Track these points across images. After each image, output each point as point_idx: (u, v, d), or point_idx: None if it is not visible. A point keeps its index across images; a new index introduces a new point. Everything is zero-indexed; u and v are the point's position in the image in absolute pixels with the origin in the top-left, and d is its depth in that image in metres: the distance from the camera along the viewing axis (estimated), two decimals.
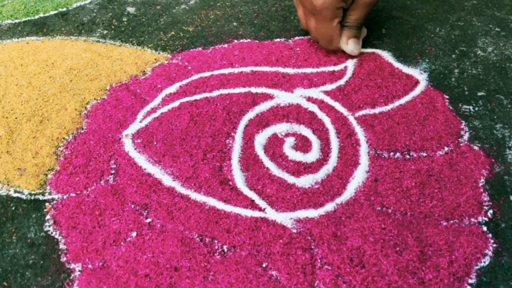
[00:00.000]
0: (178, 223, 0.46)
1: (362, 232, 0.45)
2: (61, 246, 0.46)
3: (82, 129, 0.58)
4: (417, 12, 0.79)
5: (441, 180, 0.49)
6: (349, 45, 0.60)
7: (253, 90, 0.62)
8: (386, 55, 0.68)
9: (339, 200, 0.48)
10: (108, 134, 0.57)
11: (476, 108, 0.59)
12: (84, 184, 0.51)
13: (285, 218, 0.47)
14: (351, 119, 0.58)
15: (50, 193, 0.50)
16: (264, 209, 0.48)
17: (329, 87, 0.63)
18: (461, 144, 0.54)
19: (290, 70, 0.66)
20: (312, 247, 0.44)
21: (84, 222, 0.47)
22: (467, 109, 0.59)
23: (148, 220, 0.47)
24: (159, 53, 0.70)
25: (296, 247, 0.44)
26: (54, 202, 0.49)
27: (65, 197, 0.50)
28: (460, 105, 0.60)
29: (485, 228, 0.45)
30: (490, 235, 0.45)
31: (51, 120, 0.58)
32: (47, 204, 0.49)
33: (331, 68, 0.65)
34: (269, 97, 0.61)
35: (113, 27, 0.77)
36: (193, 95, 0.62)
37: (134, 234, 0.46)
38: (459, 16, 0.77)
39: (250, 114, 0.59)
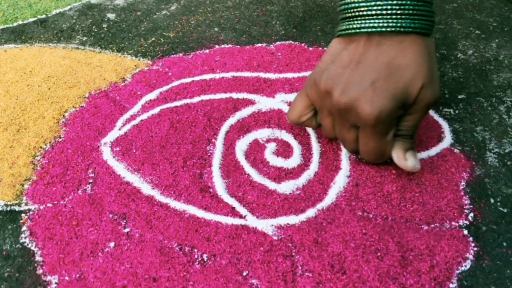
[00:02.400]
0: (157, 232, 0.46)
1: (343, 238, 0.44)
2: (37, 258, 0.45)
3: (60, 137, 0.57)
4: None
5: (422, 184, 0.49)
6: (409, 161, 0.45)
7: (234, 95, 0.62)
8: None
9: (320, 205, 0.48)
10: (86, 142, 0.56)
11: (457, 111, 0.59)
12: (61, 194, 0.50)
13: (266, 225, 0.46)
14: None
15: (26, 204, 0.49)
16: (244, 216, 0.47)
17: None
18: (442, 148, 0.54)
19: (271, 75, 0.65)
20: (293, 254, 0.44)
21: (61, 233, 0.46)
22: (447, 112, 0.59)
23: (127, 229, 0.46)
24: (139, 60, 0.70)
25: (277, 255, 0.43)
26: (31, 213, 0.48)
27: (41, 207, 0.49)
28: (440, 108, 0.60)
29: (466, 232, 0.45)
30: (471, 238, 0.45)
31: (28, 129, 0.57)
32: (23, 215, 0.48)
33: None
34: (250, 102, 0.61)
35: (92, 33, 0.76)
36: (173, 101, 0.61)
37: (112, 244, 0.45)
38: (439, 19, 0.77)
39: (231, 120, 0.58)
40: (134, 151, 0.54)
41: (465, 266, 0.42)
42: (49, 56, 0.69)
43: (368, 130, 0.40)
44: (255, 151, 0.54)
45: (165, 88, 0.63)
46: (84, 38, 0.74)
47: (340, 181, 0.50)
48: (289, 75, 0.64)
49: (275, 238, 0.45)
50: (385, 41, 0.38)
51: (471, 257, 0.43)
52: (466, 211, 0.47)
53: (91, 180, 0.51)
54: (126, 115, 0.59)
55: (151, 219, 0.47)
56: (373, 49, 0.38)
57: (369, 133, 0.40)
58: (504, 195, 0.48)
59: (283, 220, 0.47)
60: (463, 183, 0.49)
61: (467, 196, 0.48)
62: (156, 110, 0.59)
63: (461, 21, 0.76)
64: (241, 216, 0.47)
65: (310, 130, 0.56)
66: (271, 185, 0.50)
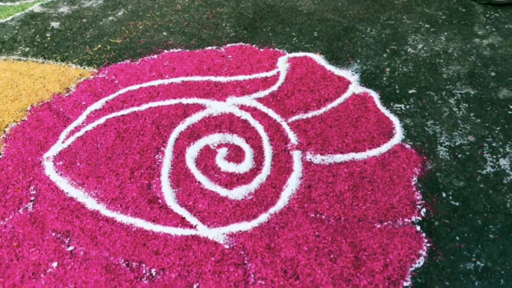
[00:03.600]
0: (102, 249, 0.44)
1: (296, 242, 0.43)
2: None
3: (0, 154, 0.54)
4: (348, 13, 0.79)
5: (374, 181, 0.49)
6: None
7: (184, 101, 0.60)
8: (318, 58, 0.67)
9: (272, 210, 0.47)
10: (27, 158, 0.53)
11: (408, 106, 0.59)
12: (1, 214, 0.47)
13: (217, 234, 0.45)
14: (284, 125, 0.56)
15: None
16: (195, 226, 0.46)
17: (262, 93, 0.61)
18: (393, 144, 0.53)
19: (222, 79, 0.64)
20: (245, 261, 0.42)
21: (1, 256, 0.44)
22: (398, 107, 0.59)
23: (70, 248, 0.44)
24: (84, 68, 0.67)
25: (228, 264, 0.42)
26: None
27: None
28: (391, 104, 0.60)
29: (418, 228, 0.45)
30: (424, 234, 0.44)
31: None
32: None
33: (263, 74, 0.64)
34: (201, 107, 0.59)
35: (35, 43, 0.73)
36: (120, 110, 0.59)
37: (55, 264, 0.43)
38: (389, 14, 0.78)
39: (181, 127, 0.57)
40: (78, 164, 0.52)
41: (419, 263, 0.42)
42: None
43: None
44: (206, 158, 0.52)
45: (111, 96, 0.61)
46: (27, 49, 0.71)
47: (292, 184, 0.49)
48: (241, 77, 0.63)
49: (227, 246, 0.44)
50: None
51: (424, 253, 0.43)
52: (418, 206, 0.46)
53: (32, 198, 0.49)
54: (70, 127, 0.57)
55: (96, 235, 0.45)
56: None
57: None
58: (456, 188, 0.48)
59: (234, 228, 0.45)
60: (415, 178, 0.49)
61: (419, 191, 0.48)
62: (101, 120, 0.57)
63: (410, 16, 0.76)
64: (191, 226, 0.46)
65: (262, 132, 0.55)
66: (222, 191, 0.49)
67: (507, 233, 0.45)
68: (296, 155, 0.52)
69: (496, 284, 0.41)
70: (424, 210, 0.47)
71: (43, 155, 0.53)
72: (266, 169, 0.52)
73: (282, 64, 0.66)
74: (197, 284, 0.41)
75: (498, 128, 0.55)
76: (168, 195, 0.49)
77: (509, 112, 0.57)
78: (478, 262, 0.42)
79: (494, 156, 0.52)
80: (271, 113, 0.58)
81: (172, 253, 0.43)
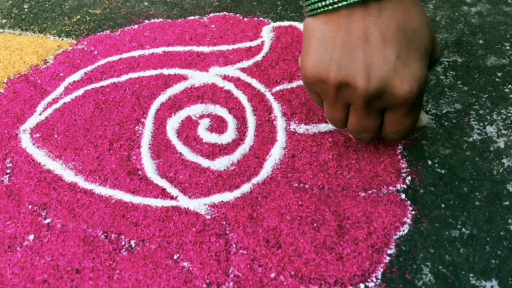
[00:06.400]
0: (80, 221, 0.42)
1: (278, 211, 0.42)
2: None
3: None
4: None
5: (358, 150, 0.48)
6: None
7: (165, 71, 0.59)
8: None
9: (255, 180, 0.46)
10: (3, 130, 0.51)
11: None
12: None
13: (198, 205, 0.44)
14: (268, 95, 0.55)
15: None
16: (176, 197, 0.45)
17: (246, 63, 0.60)
18: None
19: (205, 49, 0.62)
20: (227, 232, 0.41)
21: None
22: None
23: (47, 220, 0.43)
24: (62, 40, 0.65)
25: (209, 234, 0.41)
26: None
27: None
28: None
29: (403, 196, 0.44)
30: (408, 202, 0.44)
31: None
32: None
33: (247, 44, 0.63)
34: (183, 78, 0.58)
35: (12, 15, 0.71)
36: (99, 81, 0.57)
37: (31, 237, 0.42)
38: None
39: (162, 98, 0.55)
40: (56, 136, 0.50)
41: (403, 230, 0.41)
42: None
43: (407, 107, 0.35)
44: (187, 129, 0.51)
45: (90, 68, 0.59)
46: (4, 21, 0.69)
47: (276, 153, 0.48)
48: (224, 47, 0.61)
49: (208, 217, 0.43)
50: (386, 7, 0.31)
51: (409, 221, 0.42)
52: (403, 174, 0.46)
53: (8, 171, 0.47)
54: (48, 99, 0.55)
55: (74, 207, 0.44)
56: (374, 20, 0.31)
57: (406, 111, 0.35)
58: (442, 156, 0.47)
59: (216, 198, 0.44)
60: (400, 146, 0.48)
61: (405, 159, 0.47)
62: (80, 92, 0.56)
63: None
64: (172, 197, 0.45)
65: (245, 103, 0.54)
66: (204, 162, 0.48)
67: (493, 200, 0.44)
68: (280, 125, 0.51)
69: (482, 251, 0.40)
70: (409, 178, 0.46)
71: (19, 127, 0.52)
72: (249, 140, 0.50)
73: (267, 34, 0.64)
74: (178, 255, 0.40)
75: (485, 96, 0.54)
76: (148, 166, 0.48)
77: (497, 79, 0.56)
78: (463, 229, 0.42)
79: (481, 124, 0.51)
80: (254, 83, 0.57)
81: (152, 224, 0.42)
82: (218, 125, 0.52)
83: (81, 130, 0.50)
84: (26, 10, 0.72)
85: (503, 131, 0.50)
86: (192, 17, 0.68)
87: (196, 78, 0.57)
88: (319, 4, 0.32)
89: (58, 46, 0.63)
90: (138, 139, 0.50)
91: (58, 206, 0.44)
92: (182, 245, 0.40)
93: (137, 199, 0.44)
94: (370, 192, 0.44)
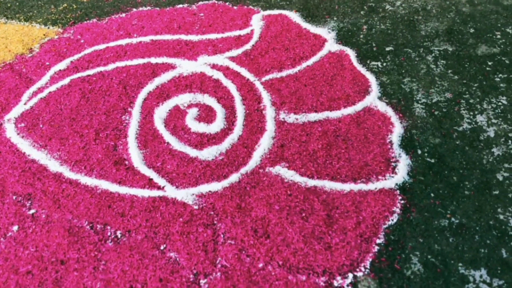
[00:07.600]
0: (65, 211, 0.42)
1: (267, 201, 0.42)
2: None
3: None
4: None
5: (348, 140, 0.47)
6: None
7: (153, 60, 0.58)
8: (294, 16, 0.65)
9: (244, 169, 0.45)
10: None
11: (384, 64, 0.57)
12: None
13: (186, 195, 0.43)
14: (258, 84, 0.54)
15: None
16: (163, 187, 0.44)
17: (235, 52, 0.59)
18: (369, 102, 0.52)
19: (193, 37, 0.61)
20: (215, 222, 0.41)
21: None
22: (375, 65, 0.57)
23: (32, 211, 0.42)
24: (48, 28, 0.64)
25: (197, 224, 0.41)
26: None
27: None
28: (368, 61, 0.58)
29: (393, 185, 0.44)
30: (398, 191, 0.43)
31: None
32: None
33: (237, 33, 0.62)
34: (171, 67, 0.57)
35: None
36: (85, 70, 0.56)
37: (15, 228, 0.41)
38: None
39: (150, 87, 0.54)
40: (41, 126, 0.49)
41: (392, 220, 0.41)
42: None
43: None
44: (175, 118, 0.50)
45: (76, 56, 0.58)
46: None
47: (265, 143, 0.48)
48: (213, 36, 0.61)
49: (196, 207, 0.42)
50: None
51: (398, 210, 0.42)
52: (393, 164, 0.45)
53: None
54: (33, 88, 0.54)
55: (59, 198, 0.43)
56: None
57: None
58: (432, 145, 0.47)
59: (204, 188, 0.44)
60: (390, 136, 0.48)
61: (394, 149, 0.47)
62: (66, 81, 0.55)
63: None
64: (159, 188, 0.44)
65: (234, 92, 0.53)
66: (192, 152, 0.47)
67: (483, 189, 0.44)
68: (269, 114, 0.51)
69: (471, 240, 0.40)
70: (398, 167, 0.45)
71: (4, 117, 0.51)
72: (238, 129, 0.50)
73: (256, 22, 0.63)
74: (165, 245, 0.40)
75: (475, 85, 0.54)
76: (135, 156, 0.47)
77: (487, 68, 0.56)
78: (452, 219, 0.42)
79: (471, 113, 0.51)
80: (244, 72, 0.56)
81: (138, 215, 0.42)
82: (206, 114, 0.51)
83: (66, 120, 0.50)
84: None
85: (493, 120, 0.50)
86: (180, 5, 0.67)
87: (185, 67, 0.57)
88: None
89: (44, 34, 0.62)
90: (125, 128, 0.49)
91: (42, 196, 0.43)
92: (169, 235, 0.40)
93: (123, 189, 0.44)
94: (359, 181, 0.44)
